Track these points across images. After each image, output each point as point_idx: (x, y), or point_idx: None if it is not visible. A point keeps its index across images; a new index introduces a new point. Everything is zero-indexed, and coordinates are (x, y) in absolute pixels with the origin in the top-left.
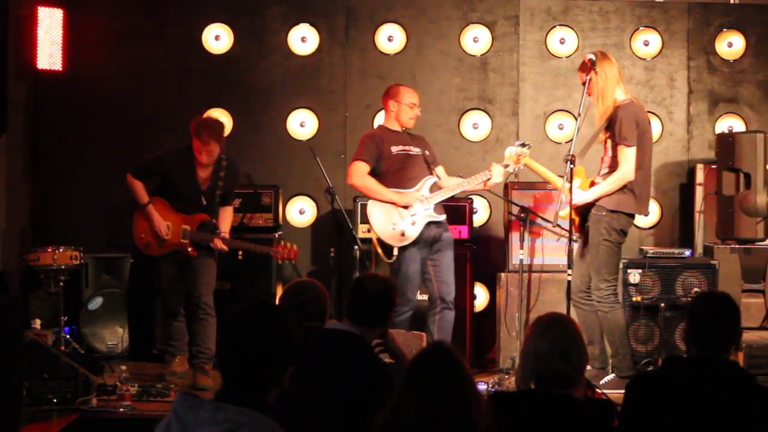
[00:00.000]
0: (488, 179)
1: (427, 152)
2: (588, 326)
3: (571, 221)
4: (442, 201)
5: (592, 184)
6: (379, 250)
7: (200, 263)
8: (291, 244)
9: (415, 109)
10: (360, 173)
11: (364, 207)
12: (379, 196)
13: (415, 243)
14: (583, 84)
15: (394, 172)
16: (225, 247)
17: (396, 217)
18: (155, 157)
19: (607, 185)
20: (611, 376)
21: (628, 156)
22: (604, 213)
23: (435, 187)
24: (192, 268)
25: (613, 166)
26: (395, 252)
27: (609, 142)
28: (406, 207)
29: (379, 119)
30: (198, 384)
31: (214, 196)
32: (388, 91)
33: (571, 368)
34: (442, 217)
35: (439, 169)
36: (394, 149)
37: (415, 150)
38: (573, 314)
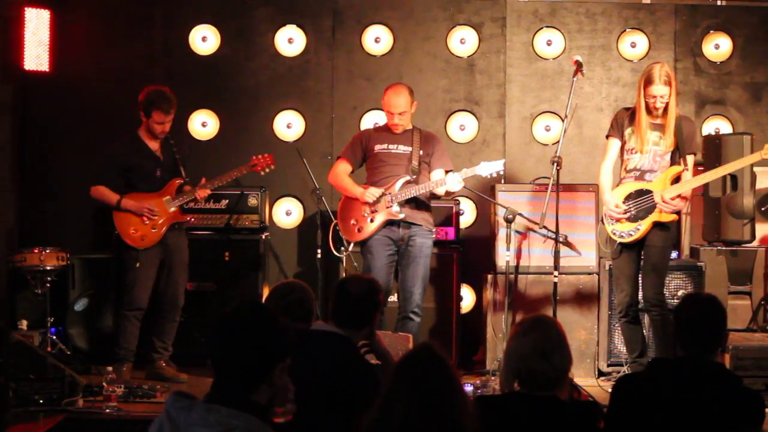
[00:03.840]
0: (443, 186)
1: (422, 151)
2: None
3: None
4: (423, 197)
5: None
6: (330, 242)
7: (178, 260)
8: (263, 154)
9: (393, 116)
10: (336, 171)
11: None
12: (346, 191)
13: (375, 239)
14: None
15: (372, 170)
16: (206, 193)
17: (359, 213)
18: (107, 156)
19: (687, 184)
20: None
21: (693, 164)
22: (676, 218)
23: (406, 187)
24: (170, 263)
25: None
26: (350, 247)
27: (671, 148)
28: (366, 203)
29: (366, 120)
30: (180, 378)
31: (176, 163)
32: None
33: (552, 369)
34: (402, 215)
35: (437, 173)
36: (377, 147)
37: (402, 149)
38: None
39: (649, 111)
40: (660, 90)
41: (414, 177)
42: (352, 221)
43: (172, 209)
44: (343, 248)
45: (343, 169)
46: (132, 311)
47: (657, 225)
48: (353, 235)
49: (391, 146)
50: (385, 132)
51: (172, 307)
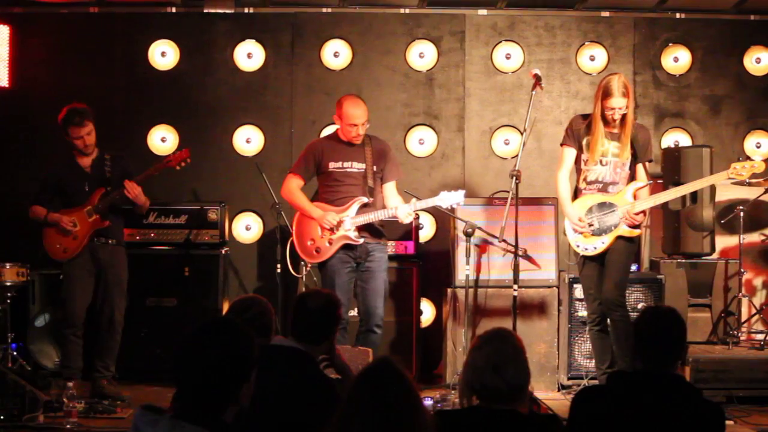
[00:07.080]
0: (395, 217)
1: (375, 167)
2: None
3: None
4: (377, 222)
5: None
6: (288, 262)
7: (112, 277)
8: (181, 150)
9: (357, 128)
10: (289, 187)
11: None
12: (303, 211)
13: (334, 258)
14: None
15: (327, 189)
16: (137, 189)
17: (315, 233)
18: (41, 178)
19: (653, 200)
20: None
21: (647, 172)
22: (641, 233)
23: (364, 209)
24: (105, 280)
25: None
26: (308, 267)
27: (628, 159)
28: (325, 227)
29: (325, 135)
30: (122, 395)
31: (105, 178)
32: (337, 103)
33: (504, 384)
34: (360, 240)
35: (389, 186)
36: (332, 165)
37: (356, 166)
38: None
39: (606, 122)
40: (619, 102)
41: (371, 200)
42: (309, 242)
43: (92, 218)
44: (303, 264)
45: (296, 185)
46: (69, 329)
47: (620, 237)
48: (311, 256)
49: (345, 164)
50: (337, 144)
51: (109, 326)
